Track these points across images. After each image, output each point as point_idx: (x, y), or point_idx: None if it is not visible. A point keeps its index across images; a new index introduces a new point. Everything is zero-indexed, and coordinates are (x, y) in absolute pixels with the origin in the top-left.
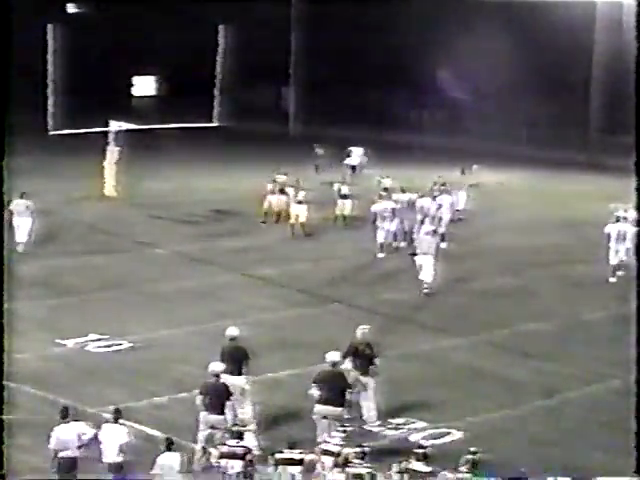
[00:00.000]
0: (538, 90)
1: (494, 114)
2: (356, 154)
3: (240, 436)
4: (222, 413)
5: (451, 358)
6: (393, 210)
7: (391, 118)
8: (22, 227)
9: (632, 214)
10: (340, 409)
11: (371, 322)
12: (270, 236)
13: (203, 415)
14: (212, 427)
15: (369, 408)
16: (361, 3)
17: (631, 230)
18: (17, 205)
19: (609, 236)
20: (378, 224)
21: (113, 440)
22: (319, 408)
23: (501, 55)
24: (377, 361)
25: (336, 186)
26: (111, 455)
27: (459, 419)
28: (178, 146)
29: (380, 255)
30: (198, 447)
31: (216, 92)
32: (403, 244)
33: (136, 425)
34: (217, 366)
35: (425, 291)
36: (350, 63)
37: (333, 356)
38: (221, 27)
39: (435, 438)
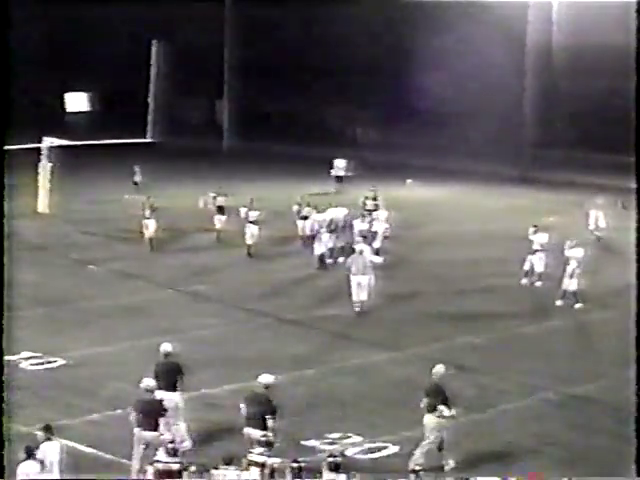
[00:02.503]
0: (473, 105)
1: (429, 130)
2: (339, 166)
3: (175, 452)
4: (156, 429)
5: (386, 372)
6: (328, 225)
7: (326, 133)
8: None
9: (540, 237)
10: (262, 432)
11: (307, 337)
12: (205, 252)
13: (137, 432)
14: (147, 443)
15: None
16: (297, 18)
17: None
18: None
19: (567, 260)
20: (315, 239)
21: (48, 457)
22: (245, 429)
23: (437, 70)
24: (444, 407)
25: (295, 208)
26: (49, 472)
27: (395, 433)
28: (112, 162)
29: (316, 270)
30: (134, 464)
31: (150, 107)
32: (341, 259)
33: (70, 443)
34: (150, 382)
35: (357, 309)
36: (285, 78)
37: (265, 378)
38: (154, 42)
39: (371, 452)
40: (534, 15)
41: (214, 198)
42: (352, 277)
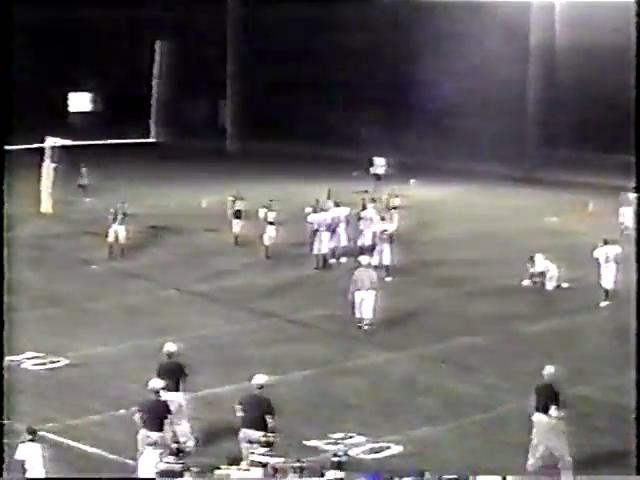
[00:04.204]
0: (474, 105)
1: (432, 130)
2: (379, 164)
3: (179, 453)
4: (161, 430)
5: (389, 372)
6: (330, 224)
7: (329, 133)
8: None
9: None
10: (261, 433)
11: (310, 338)
12: (207, 252)
13: (142, 432)
14: (151, 444)
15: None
16: (300, 18)
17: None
18: None
19: (598, 260)
20: (316, 238)
21: (29, 460)
22: (243, 431)
23: (440, 70)
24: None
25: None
26: (31, 474)
27: (398, 433)
28: (115, 162)
29: (318, 270)
30: (139, 465)
31: (153, 108)
32: (344, 259)
33: (74, 443)
34: (157, 383)
35: (366, 328)
36: (288, 79)
37: (260, 379)
38: (158, 42)
39: (374, 452)
40: (537, 15)
41: (233, 202)
42: (356, 293)
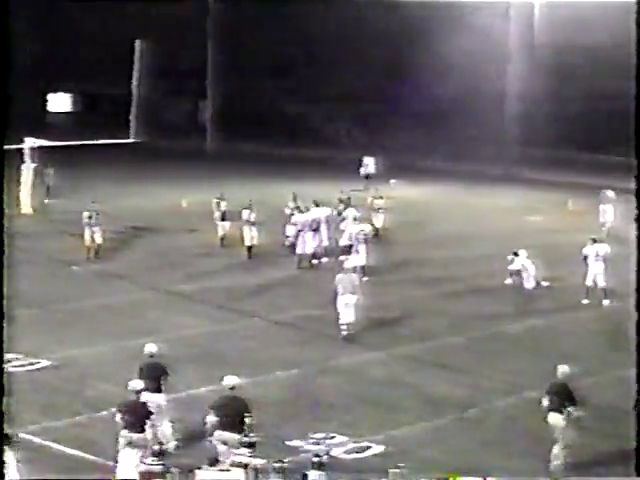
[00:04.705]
0: (456, 104)
1: (413, 130)
2: (370, 163)
3: (160, 454)
4: (142, 431)
5: (370, 372)
6: (311, 224)
7: (309, 133)
8: None
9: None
10: (239, 436)
11: (292, 338)
12: (188, 252)
13: (123, 433)
14: (133, 445)
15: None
16: (280, 18)
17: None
18: None
19: (586, 257)
20: (299, 238)
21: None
22: (218, 433)
23: (420, 70)
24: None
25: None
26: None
27: (379, 432)
28: (95, 162)
29: (300, 270)
30: (120, 466)
31: (133, 108)
32: (325, 259)
33: (54, 445)
34: (137, 384)
35: (344, 333)
36: (268, 78)
37: (230, 380)
38: (137, 42)
39: (356, 452)
40: (516, 15)
41: (217, 204)
42: (339, 297)
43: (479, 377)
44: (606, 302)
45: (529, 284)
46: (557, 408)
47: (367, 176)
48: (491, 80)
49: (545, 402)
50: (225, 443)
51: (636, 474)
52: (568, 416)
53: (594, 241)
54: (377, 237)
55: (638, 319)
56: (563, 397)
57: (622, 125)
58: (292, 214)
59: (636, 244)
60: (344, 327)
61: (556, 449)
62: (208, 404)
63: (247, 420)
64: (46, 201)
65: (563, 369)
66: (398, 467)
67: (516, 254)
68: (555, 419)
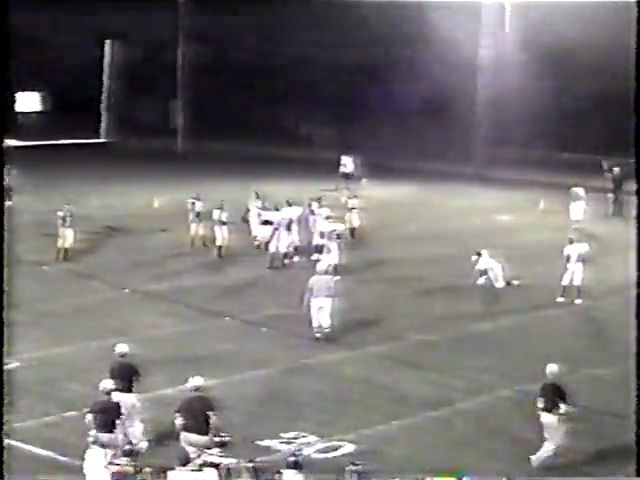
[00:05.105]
0: (425, 104)
1: (383, 129)
2: (348, 162)
3: (131, 454)
4: (113, 431)
5: (341, 371)
6: (283, 223)
7: (280, 133)
8: None
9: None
10: (205, 437)
11: (262, 337)
12: (159, 252)
13: (94, 434)
14: (103, 446)
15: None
16: (249, 18)
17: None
18: None
19: (568, 258)
20: (273, 237)
21: None
22: (184, 435)
23: (390, 69)
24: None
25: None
26: None
27: (350, 432)
28: (65, 163)
29: (271, 269)
30: (89, 466)
31: (103, 108)
32: (296, 258)
33: (25, 445)
34: (108, 383)
35: (318, 335)
36: (239, 78)
37: (196, 381)
38: (108, 42)
39: (327, 451)
40: (487, 15)
41: (193, 204)
42: (313, 300)
43: (450, 376)
44: (578, 301)
45: (499, 283)
46: (548, 408)
47: (346, 175)
48: (462, 80)
49: (539, 403)
50: (191, 444)
51: (636, 474)
52: (559, 414)
53: (572, 241)
54: (352, 237)
55: (638, 319)
56: (554, 396)
57: (592, 124)
58: (260, 214)
59: (636, 244)
60: (317, 330)
61: (546, 447)
62: (176, 407)
63: (212, 420)
64: (8, 203)
65: (551, 369)
66: (355, 464)
67: (479, 254)
68: (546, 418)
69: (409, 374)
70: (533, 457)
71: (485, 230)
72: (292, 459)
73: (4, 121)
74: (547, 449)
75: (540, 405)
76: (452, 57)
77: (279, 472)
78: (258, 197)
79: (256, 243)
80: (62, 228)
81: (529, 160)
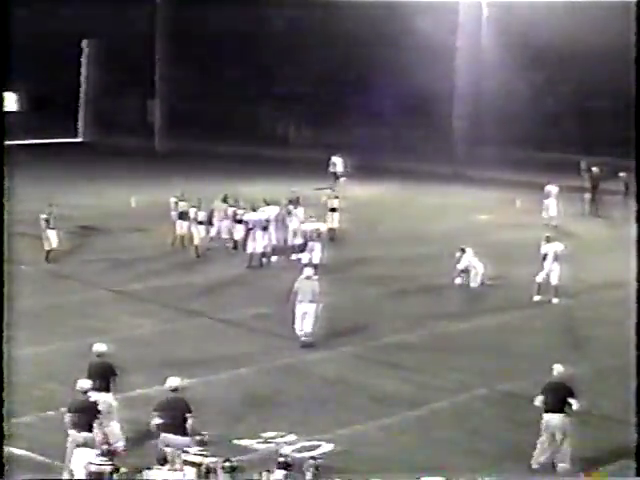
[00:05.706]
0: (404, 104)
1: (362, 128)
2: (336, 163)
3: (109, 453)
4: (91, 431)
5: (319, 371)
6: (261, 223)
7: (258, 132)
8: None
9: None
10: (182, 438)
11: (240, 337)
12: (136, 252)
13: (72, 433)
14: (81, 445)
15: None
16: (230, 16)
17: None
18: None
19: (545, 256)
20: (250, 236)
21: None
22: (163, 436)
23: (369, 68)
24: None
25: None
26: None
27: (328, 431)
28: (42, 162)
29: (250, 268)
30: (68, 466)
31: (80, 107)
32: (274, 258)
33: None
34: (85, 383)
35: (304, 339)
36: (217, 78)
37: (173, 382)
38: (85, 41)
39: (305, 451)
40: (464, 14)
41: (176, 203)
42: (297, 305)
43: (428, 376)
44: (555, 300)
45: (474, 283)
46: (553, 408)
47: (336, 175)
48: (440, 80)
49: (538, 402)
50: (168, 445)
51: (636, 474)
52: (572, 413)
53: (548, 239)
54: (331, 239)
55: (638, 319)
56: (561, 395)
57: (571, 124)
58: (235, 213)
59: (636, 244)
60: (302, 335)
61: (543, 446)
62: (153, 407)
63: (189, 421)
64: None
65: (558, 368)
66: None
67: (463, 250)
68: (550, 418)
69: (387, 374)
70: (534, 462)
71: (463, 229)
72: (282, 459)
73: (4, 121)
74: (564, 450)
75: (543, 405)
76: (430, 57)
77: (269, 471)
78: (225, 200)
79: (230, 245)
80: (47, 230)
81: (507, 160)
